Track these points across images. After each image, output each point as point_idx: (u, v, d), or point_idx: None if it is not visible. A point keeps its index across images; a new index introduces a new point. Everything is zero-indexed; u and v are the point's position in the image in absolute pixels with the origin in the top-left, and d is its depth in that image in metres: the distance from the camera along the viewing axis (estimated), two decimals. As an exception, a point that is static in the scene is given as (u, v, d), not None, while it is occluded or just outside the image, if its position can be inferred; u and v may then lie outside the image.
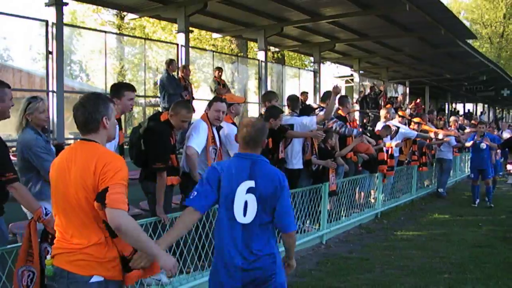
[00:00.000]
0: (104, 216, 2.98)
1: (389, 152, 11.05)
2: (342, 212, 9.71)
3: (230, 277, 3.56)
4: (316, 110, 8.94)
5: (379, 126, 11.26)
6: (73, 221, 3.09)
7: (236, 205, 3.56)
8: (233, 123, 6.90)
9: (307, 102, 16.02)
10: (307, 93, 17.93)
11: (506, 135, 16.65)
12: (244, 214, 3.56)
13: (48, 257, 3.20)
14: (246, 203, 3.56)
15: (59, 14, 11.38)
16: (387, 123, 11.14)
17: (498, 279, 6.74)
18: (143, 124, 5.99)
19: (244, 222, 3.56)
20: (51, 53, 11.36)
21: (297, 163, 8.15)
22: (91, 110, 3.17)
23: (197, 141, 6.04)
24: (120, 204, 2.96)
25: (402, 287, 6.47)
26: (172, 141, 5.88)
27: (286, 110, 8.84)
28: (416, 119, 13.08)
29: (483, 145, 12.10)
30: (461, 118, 23.28)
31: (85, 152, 3.12)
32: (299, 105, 8.61)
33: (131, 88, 5.55)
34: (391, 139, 11.12)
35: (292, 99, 8.65)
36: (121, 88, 5.46)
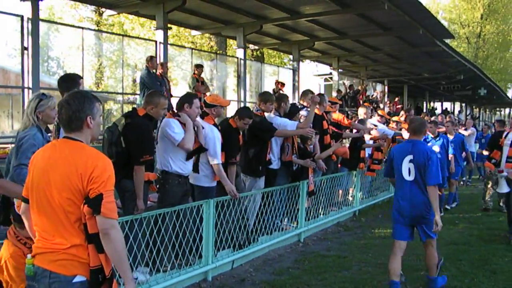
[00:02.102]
0: (88, 220, 2.99)
1: (370, 152, 11.15)
2: (320, 210, 9.72)
3: (401, 215, 6.02)
4: (301, 111, 8.95)
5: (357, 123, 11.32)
6: (54, 221, 3.04)
7: (403, 169, 5.95)
8: (215, 124, 6.87)
9: (284, 93, 15.97)
10: (284, 84, 17.80)
11: (466, 133, 16.21)
12: (409, 175, 5.93)
13: (29, 256, 3.14)
14: (409, 168, 5.92)
15: (35, 9, 11.22)
16: (362, 119, 11.23)
17: (474, 276, 6.81)
18: (118, 122, 5.93)
19: (409, 180, 5.93)
20: (26, 49, 11.20)
21: (273, 163, 8.15)
22: (75, 108, 3.12)
23: (179, 134, 6.05)
24: (114, 213, 3.04)
25: (380, 285, 6.51)
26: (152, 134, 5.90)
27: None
28: (395, 118, 13.14)
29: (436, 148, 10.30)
30: (439, 116, 23.43)
31: (71, 152, 3.08)
32: (284, 106, 8.55)
33: (81, 77, 5.69)
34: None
35: (278, 99, 8.61)
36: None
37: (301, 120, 8.68)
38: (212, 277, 6.68)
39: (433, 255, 6.18)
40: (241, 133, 7.39)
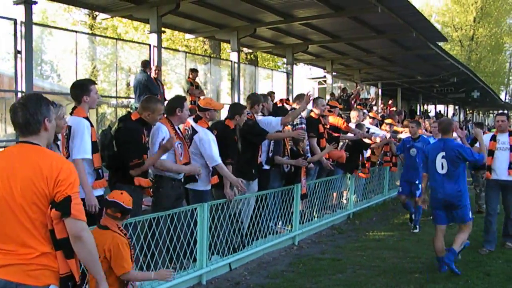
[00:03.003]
0: (56, 225, 2.91)
1: (367, 155, 11.17)
2: (314, 213, 9.73)
3: (436, 203, 7.04)
4: (290, 112, 8.96)
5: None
6: (18, 230, 2.93)
7: (437, 164, 6.95)
8: (208, 128, 6.88)
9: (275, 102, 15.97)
10: (274, 93, 17.79)
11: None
12: (442, 169, 6.89)
13: None
14: (442, 163, 6.88)
15: (28, 13, 11.18)
16: (360, 123, 11.21)
17: (468, 278, 6.82)
18: (113, 126, 5.93)
19: (442, 173, 6.90)
20: (19, 52, 11.15)
21: (264, 164, 8.17)
22: (32, 111, 3.04)
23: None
24: (83, 215, 2.97)
25: (374, 287, 6.51)
26: (144, 139, 5.84)
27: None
28: (387, 120, 13.15)
29: (413, 151, 10.00)
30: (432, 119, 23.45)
31: (33, 155, 2.99)
32: (266, 105, 8.56)
33: (93, 82, 5.63)
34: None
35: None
36: (86, 84, 5.49)
37: (296, 121, 8.73)
38: (207, 280, 6.67)
39: (464, 234, 7.13)
40: (237, 134, 7.40)
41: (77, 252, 2.98)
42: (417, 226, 9.89)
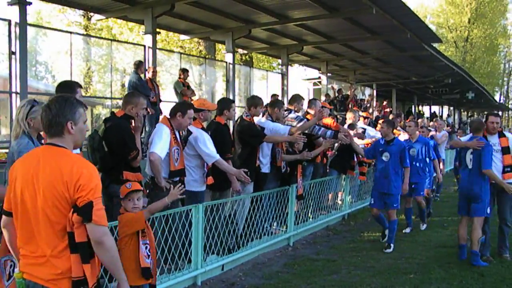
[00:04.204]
0: (77, 228, 2.92)
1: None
2: (309, 214, 9.74)
3: (462, 194, 7.76)
4: (285, 113, 8.96)
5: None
6: (38, 232, 2.97)
7: (467, 160, 7.63)
8: (202, 128, 6.88)
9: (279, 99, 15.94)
10: (277, 95, 17.84)
11: (438, 135, 13.79)
12: (470, 164, 7.57)
13: (16, 270, 3.09)
14: (470, 159, 7.53)
15: (23, 14, 11.17)
16: (352, 123, 11.18)
17: (462, 278, 6.84)
18: (99, 128, 5.94)
19: (469, 168, 7.54)
20: (14, 53, 11.13)
21: (264, 167, 8.15)
22: (55, 113, 3.04)
23: (160, 145, 6.02)
24: (105, 220, 2.98)
25: (368, 288, 6.53)
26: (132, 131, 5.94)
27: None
28: (382, 121, 13.11)
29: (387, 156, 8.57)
30: (426, 119, 23.48)
31: (55, 158, 3.00)
32: (277, 111, 8.47)
33: (80, 84, 5.58)
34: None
35: (273, 105, 8.60)
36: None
37: (293, 124, 8.72)
38: (202, 281, 6.67)
39: (477, 231, 7.44)
40: (230, 129, 7.42)
41: (98, 256, 3.01)
42: (391, 245, 8.45)
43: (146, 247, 4.48)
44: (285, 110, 9.19)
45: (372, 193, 8.96)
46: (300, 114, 9.39)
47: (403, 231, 9.77)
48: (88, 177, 2.96)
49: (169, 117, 6.36)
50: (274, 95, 16.96)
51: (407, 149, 8.84)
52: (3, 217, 3.22)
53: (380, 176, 8.65)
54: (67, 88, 5.31)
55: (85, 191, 2.92)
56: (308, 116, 9.63)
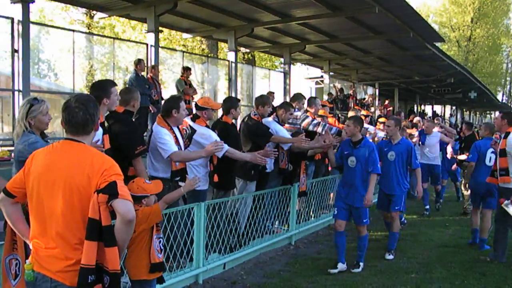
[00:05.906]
0: (103, 211, 2.92)
1: None
2: (311, 213, 9.74)
3: (475, 190, 8.59)
4: (294, 112, 8.93)
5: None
6: (55, 226, 2.99)
7: (487, 158, 8.33)
8: (207, 126, 6.86)
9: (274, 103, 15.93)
10: (273, 93, 17.76)
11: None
12: (489, 162, 8.23)
13: (27, 261, 3.09)
14: (490, 157, 8.24)
15: (26, 12, 11.20)
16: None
17: (464, 278, 6.84)
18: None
19: (489, 165, 8.11)
20: (17, 51, 11.17)
21: (268, 166, 8.13)
22: (92, 112, 3.15)
23: (170, 144, 5.99)
24: (130, 197, 3.01)
25: (370, 287, 6.52)
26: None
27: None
28: (382, 119, 13.09)
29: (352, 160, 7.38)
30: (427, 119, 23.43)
31: (75, 153, 3.06)
32: (284, 114, 8.32)
33: (115, 83, 5.55)
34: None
35: (282, 106, 8.54)
36: (107, 85, 5.43)
37: (298, 122, 8.72)
38: (203, 280, 6.67)
39: (488, 221, 8.29)
40: (237, 127, 7.39)
41: (119, 235, 2.99)
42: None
43: (160, 241, 4.47)
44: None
45: (336, 202, 7.68)
46: (300, 113, 9.36)
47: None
48: (110, 164, 3.06)
49: (163, 117, 6.27)
50: (270, 93, 16.90)
51: (413, 148, 8.40)
52: (1, 194, 3.23)
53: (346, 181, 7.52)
54: (101, 90, 5.29)
55: (108, 175, 2.97)
56: (308, 114, 9.63)
